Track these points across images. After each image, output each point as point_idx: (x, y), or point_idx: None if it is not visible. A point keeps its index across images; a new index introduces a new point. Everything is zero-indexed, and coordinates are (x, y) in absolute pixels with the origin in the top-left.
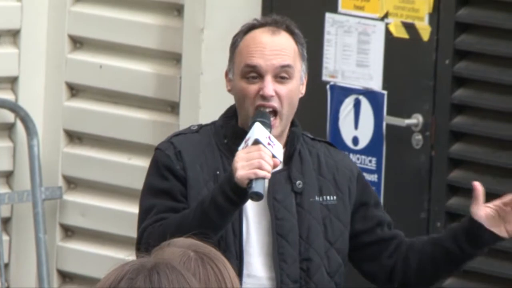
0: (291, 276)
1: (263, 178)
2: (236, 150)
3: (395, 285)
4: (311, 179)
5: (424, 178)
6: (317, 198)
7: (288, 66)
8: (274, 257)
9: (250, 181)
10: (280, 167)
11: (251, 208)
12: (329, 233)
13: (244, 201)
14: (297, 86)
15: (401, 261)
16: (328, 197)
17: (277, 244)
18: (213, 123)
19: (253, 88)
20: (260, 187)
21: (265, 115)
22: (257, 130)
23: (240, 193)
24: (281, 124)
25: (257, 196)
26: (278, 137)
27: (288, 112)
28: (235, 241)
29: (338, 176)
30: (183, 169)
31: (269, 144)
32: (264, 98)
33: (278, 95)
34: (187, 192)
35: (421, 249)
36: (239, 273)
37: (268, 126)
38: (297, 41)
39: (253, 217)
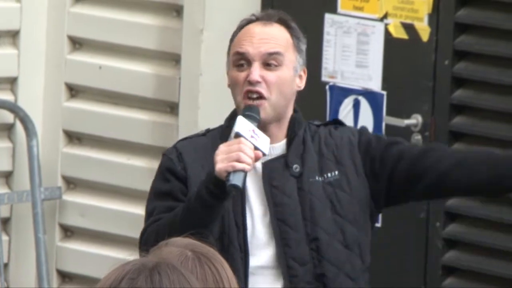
0: (298, 259)
1: (242, 170)
2: None
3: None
4: (312, 162)
5: None
6: (317, 178)
7: (276, 53)
8: (277, 243)
9: (229, 173)
10: (278, 153)
11: (254, 200)
12: (337, 208)
13: (227, 194)
14: (288, 75)
15: (454, 160)
16: (329, 174)
17: (278, 230)
18: (220, 126)
19: (242, 75)
20: (238, 179)
21: (253, 109)
22: (239, 124)
23: (221, 186)
24: (272, 111)
25: (234, 189)
26: (274, 125)
27: (278, 99)
28: (238, 235)
29: (337, 152)
30: (183, 169)
31: (252, 137)
32: (251, 83)
33: (265, 81)
34: (188, 191)
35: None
36: (245, 266)
37: (254, 119)
38: (292, 34)
39: (257, 209)
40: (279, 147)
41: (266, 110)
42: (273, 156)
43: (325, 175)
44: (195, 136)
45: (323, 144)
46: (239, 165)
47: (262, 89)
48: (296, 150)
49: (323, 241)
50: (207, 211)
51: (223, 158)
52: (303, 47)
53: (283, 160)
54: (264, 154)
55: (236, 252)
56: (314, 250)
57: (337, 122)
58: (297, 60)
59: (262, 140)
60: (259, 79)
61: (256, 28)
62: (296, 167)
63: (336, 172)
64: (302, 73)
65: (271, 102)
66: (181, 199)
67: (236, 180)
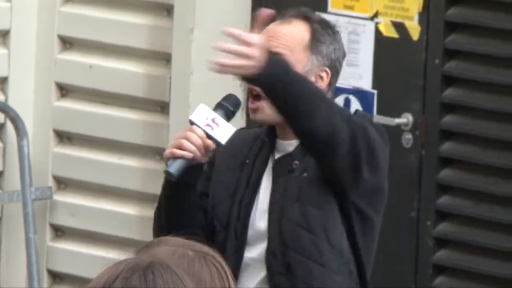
0: (271, 252)
1: (181, 157)
2: (265, 142)
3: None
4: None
5: (414, 177)
6: (304, 174)
7: (277, 54)
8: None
9: (169, 159)
10: (290, 150)
11: (263, 195)
12: (301, 194)
13: (176, 181)
14: None
15: None
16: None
17: (269, 226)
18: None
19: None
20: (175, 166)
21: (230, 99)
22: (196, 111)
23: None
24: (270, 112)
25: (168, 175)
26: (274, 122)
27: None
28: (237, 225)
29: None
30: (213, 155)
31: (208, 125)
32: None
33: None
34: (211, 177)
35: None
36: (239, 258)
37: (223, 108)
38: (315, 35)
39: (263, 203)
40: (293, 144)
41: (264, 111)
42: (285, 153)
43: (306, 173)
44: (246, 128)
45: None
46: (178, 152)
47: (257, 89)
48: (302, 149)
49: (287, 231)
50: (168, 195)
51: (171, 144)
52: (324, 48)
53: (289, 158)
54: (219, 144)
55: (231, 242)
56: (282, 241)
57: None
58: (310, 61)
59: (221, 130)
60: None
61: (271, 26)
62: (295, 163)
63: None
64: (321, 73)
65: (269, 104)
66: (203, 185)
67: (172, 167)
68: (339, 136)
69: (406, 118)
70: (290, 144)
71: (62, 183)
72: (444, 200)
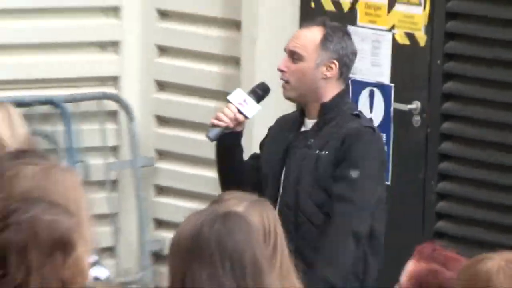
0: (287, 201)
1: (217, 126)
2: (297, 120)
3: None
4: (320, 139)
5: (421, 149)
6: (317, 152)
7: (295, 51)
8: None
9: (210, 127)
10: (309, 128)
11: (288, 165)
12: (318, 168)
13: (219, 142)
14: (309, 68)
15: None
16: (324, 152)
17: (283, 183)
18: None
19: None
20: (212, 132)
21: (260, 85)
22: (234, 93)
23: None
24: (293, 92)
25: (208, 138)
26: (307, 105)
27: (297, 83)
28: (272, 190)
29: (336, 140)
30: (266, 136)
31: (240, 103)
32: (280, 70)
33: (288, 69)
34: (263, 147)
35: None
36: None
37: (253, 92)
38: (325, 36)
39: (289, 171)
40: (310, 123)
41: (288, 91)
42: (305, 129)
43: (323, 151)
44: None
45: (333, 131)
46: (215, 122)
47: (284, 76)
48: (316, 128)
49: (295, 182)
50: (216, 158)
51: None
52: (332, 45)
53: (306, 134)
54: (246, 117)
55: (269, 193)
56: (293, 191)
57: (357, 115)
58: (320, 56)
59: (249, 108)
60: (284, 69)
61: (297, 31)
62: (310, 141)
63: (327, 152)
64: (330, 64)
65: (291, 86)
66: (256, 156)
67: (210, 133)
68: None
69: (415, 105)
70: (311, 123)
71: (161, 154)
72: (444, 166)
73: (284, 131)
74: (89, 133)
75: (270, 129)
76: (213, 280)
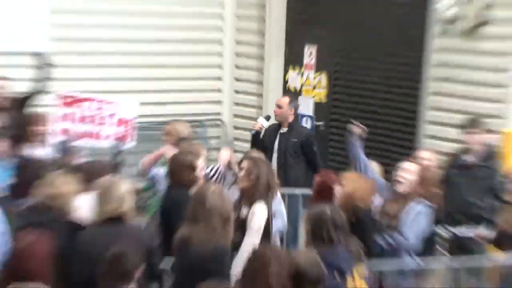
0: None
1: (253, 128)
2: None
3: None
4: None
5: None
6: (292, 140)
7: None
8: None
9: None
10: (284, 131)
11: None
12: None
13: (255, 134)
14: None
15: None
16: (293, 140)
17: (277, 152)
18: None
19: None
20: (253, 131)
21: (267, 115)
22: (260, 118)
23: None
24: (278, 116)
25: (251, 132)
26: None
27: (279, 117)
28: (271, 150)
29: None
30: (265, 132)
31: (261, 121)
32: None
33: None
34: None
35: None
36: None
37: (266, 117)
38: (290, 100)
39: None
40: (285, 129)
41: (277, 117)
42: (284, 131)
43: (292, 139)
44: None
45: (294, 134)
46: (253, 127)
47: (276, 111)
48: (289, 132)
49: (283, 149)
50: (252, 139)
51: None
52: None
53: (286, 133)
54: (263, 126)
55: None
56: (282, 154)
57: (305, 127)
58: (289, 108)
59: (264, 123)
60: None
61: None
62: (288, 136)
63: (295, 140)
64: (291, 112)
65: (276, 117)
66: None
67: (252, 131)
68: None
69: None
70: (285, 129)
71: None
72: None
73: (273, 130)
74: None
75: (266, 130)
76: None
